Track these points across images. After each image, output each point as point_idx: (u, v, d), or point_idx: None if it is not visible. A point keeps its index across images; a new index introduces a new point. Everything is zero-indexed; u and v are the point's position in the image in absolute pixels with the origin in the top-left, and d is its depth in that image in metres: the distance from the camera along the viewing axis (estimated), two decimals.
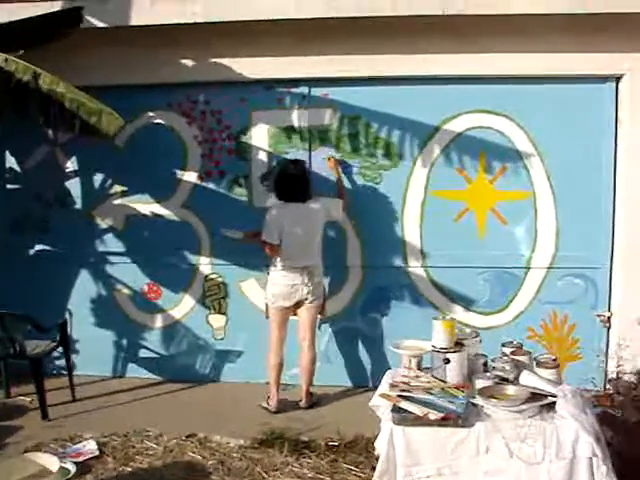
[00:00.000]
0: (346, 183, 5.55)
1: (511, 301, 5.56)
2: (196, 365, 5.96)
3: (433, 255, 5.61)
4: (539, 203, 5.46)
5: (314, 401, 5.36)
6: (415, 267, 5.64)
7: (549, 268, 5.49)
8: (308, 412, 5.23)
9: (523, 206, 5.48)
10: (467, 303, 5.62)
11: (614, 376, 5.06)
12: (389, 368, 4.88)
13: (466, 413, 3.07)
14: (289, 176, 5.16)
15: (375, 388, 3.87)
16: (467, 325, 5.17)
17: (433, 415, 3.02)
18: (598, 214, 5.41)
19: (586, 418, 3.10)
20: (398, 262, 5.66)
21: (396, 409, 3.14)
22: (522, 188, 5.46)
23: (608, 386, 5.24)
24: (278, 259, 5.16)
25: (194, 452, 4.53)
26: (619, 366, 4.54)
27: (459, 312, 5.57)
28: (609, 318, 5.43)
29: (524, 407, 3.07)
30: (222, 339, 5.91)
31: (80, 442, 4.63)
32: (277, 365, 5.26)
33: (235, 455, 4.49)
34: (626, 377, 4.88)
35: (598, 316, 5.45)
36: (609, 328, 5.45)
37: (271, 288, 5.24)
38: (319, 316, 5.42)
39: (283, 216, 5.12)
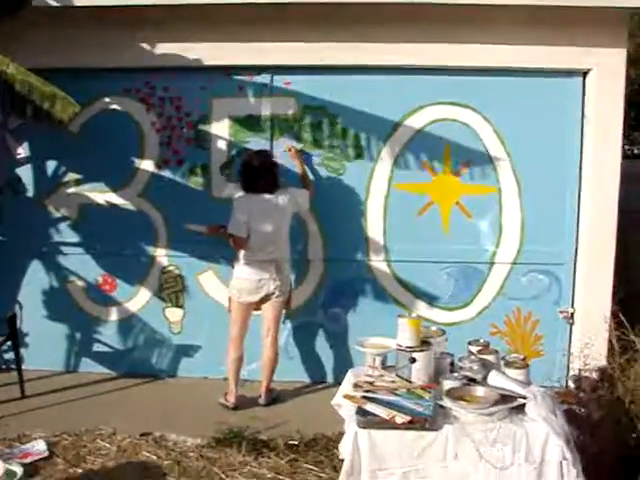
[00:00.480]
0: (309, 174, 5.41)
1: (475, 296, 5.50)
2: (152, 360, 5.78)
3: (396, 249, 5.51)
4: (504, 197, 5.40)
5: (273, 397, 5.23)
6: (378, 261, 5.54)
7: (513, 263, 5.44)
8: (267, 409, 5.09)
9: (488, 200, 5.41)
10: (430, 298, 5.54)
11: (576, 373, 5.02)
12: (350, 364, 4.87)
13: (434, 415, 2.97)
14: (255, 167, 4.99)
15: (336, 384, 3.77)
16: (430, 320, 5.16)
17: (400, 418, 2.91)
18: (563, 210, 5.37)
19: (556, 420, 3.03)
20: (360, 256, 5.55)
21: (361, 411, 3.03)
22: (487, 182, 5.40)
23: (570, 383, 5.22)
24: (243, 252, 5.01)
25: (149, 452, 4.37)
26: (586, 365, 4.49)
27: (422, 307, 5.50)
28: (572, 314, 5.41)
29: (494, 410, 2.99)
30: (179, 333, 5.75)
31: (29, 442, 4.43)
32: (237, 359, 5.12)
33: (192, 455, 4.35)
34: (588, 374, 4.84)
35: (561, 312, 5.42)
36: (572, 324, 5.43)
37: (236, 283, 5.08)
38: (284, 311, 5.28)
39: (250, 208, 4.95)
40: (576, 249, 5.38)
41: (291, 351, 5.66)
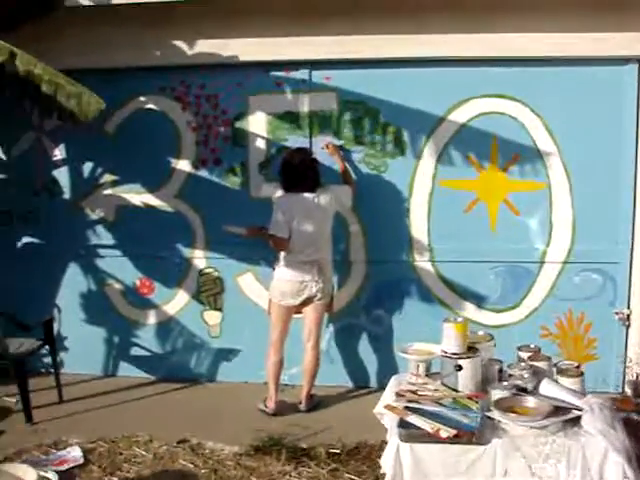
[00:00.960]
0: (349, 170, 5.23)
1: (524, 298, 5.25)
2: (190, 364, 5.67)
3: (441, 249, 5.30)
4: (554, 194, 5.13)
5: (315, 403, 5.07)
6: (422, 261, 5.33)
7: (565, 263, 5.17)
8: (308, 415, 4.94)
9: (537, 197, 5.15)
10: (477, 299, 5.31)
11: (634, 378, 4.76)
12: (394, 368, 4.70)
13: (481, 429, 2.78)
14: (294, 166, 4.84)
15: (380, 389, 3.61)
16: (477, 323, 4.96)
17: (445, 432, 2.72)
18: (617, 206, 5.08)
19: (615, 434, 2.80)
20: (404, 256, 5.34)
21: (403, 424, 2.84)
22: (536, 178, 5.14)
23: (627, 389, 4.96)
24: (284, 254, 4.87)
25: (185, 460, 4.25)
26: None
27: (469, 309, 5.28)
28: (628, 316, 5.12)
29: (546, 422, 2.79)
30: (218, 337, 5.63)
31: (64, 448, 4.35)
32: (277, 363, 4.98)
33: (229, 463, 4.21)
34: None
35: (616, 314, 5.14)
36: (628, 327, 5.15)
37: (278, 285, 4.93)
38: (326, 314, 5.12)
39: (292, 208, 4.81)
40: (632, 247, 5.09)
41: (333, 355, 5.50)
